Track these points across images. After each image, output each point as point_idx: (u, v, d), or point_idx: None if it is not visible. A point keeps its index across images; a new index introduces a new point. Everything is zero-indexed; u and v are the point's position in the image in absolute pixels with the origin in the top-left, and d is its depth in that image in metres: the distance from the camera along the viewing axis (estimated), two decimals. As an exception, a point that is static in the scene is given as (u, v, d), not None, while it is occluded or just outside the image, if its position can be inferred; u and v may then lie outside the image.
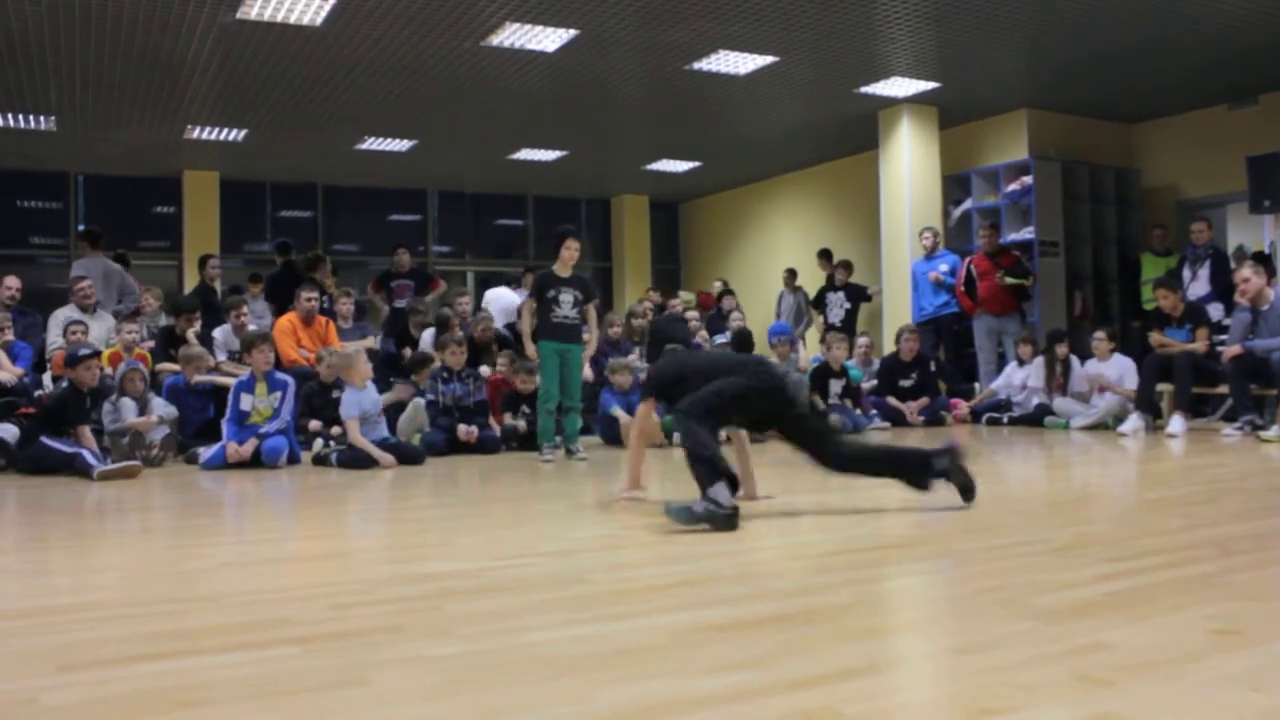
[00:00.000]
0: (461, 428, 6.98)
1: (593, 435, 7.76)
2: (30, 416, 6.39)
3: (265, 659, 2.05)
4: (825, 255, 11.97)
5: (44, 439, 6.06)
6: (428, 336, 8.47)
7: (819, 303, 11.38)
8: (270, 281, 9.96)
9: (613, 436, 7.46)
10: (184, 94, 9.14)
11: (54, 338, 7.66)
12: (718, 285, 12.84)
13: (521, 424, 7.31)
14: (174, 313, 8.17)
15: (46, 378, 7.34)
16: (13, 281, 7.93)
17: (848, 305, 11.10)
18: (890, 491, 4.15)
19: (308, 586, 2.86)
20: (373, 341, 8.75)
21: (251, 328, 7.61)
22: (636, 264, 15.42)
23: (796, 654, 2.01)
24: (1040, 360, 8.53)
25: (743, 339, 8.95)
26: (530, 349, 6.65)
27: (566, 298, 6.60)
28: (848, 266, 11.29)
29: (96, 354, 6.56)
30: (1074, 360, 8.39)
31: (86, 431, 6.25)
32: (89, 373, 6.36)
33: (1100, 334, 8.28)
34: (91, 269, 8.64)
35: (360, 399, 6.35)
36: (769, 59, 8.49)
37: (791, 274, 12.28)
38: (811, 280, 12.06)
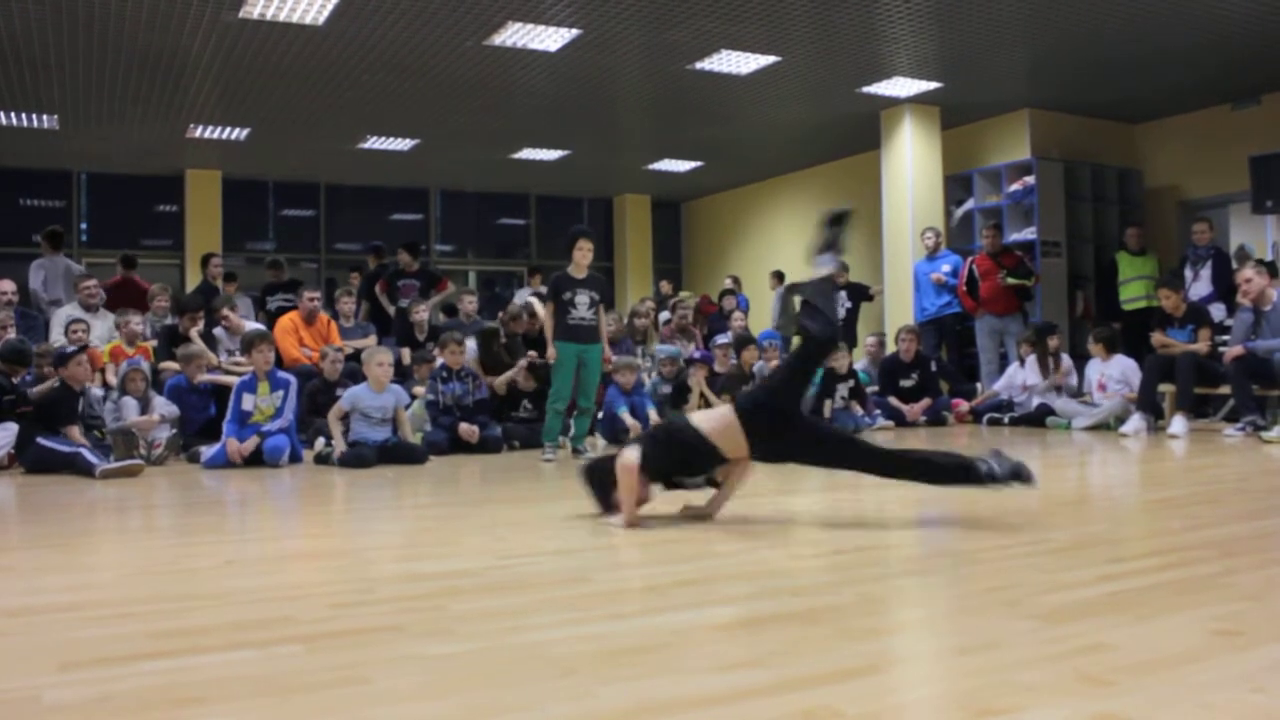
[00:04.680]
0: (463, 426, 6.99)
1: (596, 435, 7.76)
2: (22, 416, 6.34)
3: (267, 657, 2.05)
4: (777, 276, 12.14)
5: (40, 439, 6.02)
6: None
7: None
8: (367, 280, 10.23)
9: (616, 437, 7.45)
10: (186, 93, 9.15)
11: (56, 336, 7.67)
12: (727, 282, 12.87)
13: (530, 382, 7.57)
14: (177, 312, 8.18)
15: None
16: (6, 285, 7.88)
17: (849, 305, 11.08)
18: (893, 491, 4.15)
19: (310, 585, 2.86)
20: (374, 341, 8.74)
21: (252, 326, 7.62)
22: (639, 264, 15.42)
23: (798, 653, 2.01)
24: (1034, 357, 8.55)
25: (743, 343, 8.78)
26: (551, 350, 6.65)
27: (583, 299, 6.58)
28: (844, 267, 11.29)
29: (83, 349, 6.52)
30: (1064, 357, 8.46)
31: (75, 431, 6.23)
32: (80, 368, 6.34)
33: (1091, 340, 8.28)
34: (50, 268, 8.81)
35: (358, 396, 6.37)
36: (771, 59, 8.49)
37: (779, 276, 12.31)
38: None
